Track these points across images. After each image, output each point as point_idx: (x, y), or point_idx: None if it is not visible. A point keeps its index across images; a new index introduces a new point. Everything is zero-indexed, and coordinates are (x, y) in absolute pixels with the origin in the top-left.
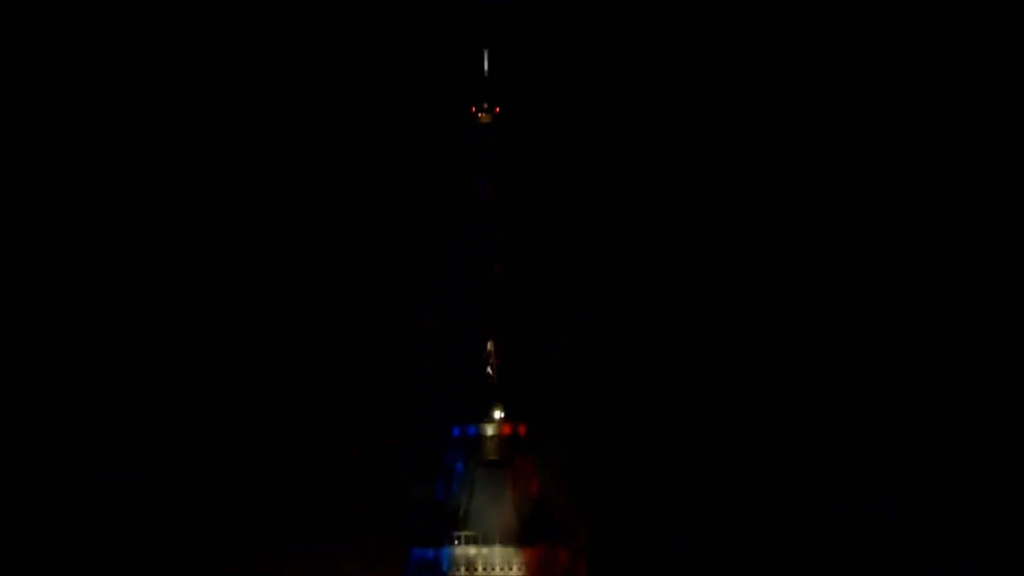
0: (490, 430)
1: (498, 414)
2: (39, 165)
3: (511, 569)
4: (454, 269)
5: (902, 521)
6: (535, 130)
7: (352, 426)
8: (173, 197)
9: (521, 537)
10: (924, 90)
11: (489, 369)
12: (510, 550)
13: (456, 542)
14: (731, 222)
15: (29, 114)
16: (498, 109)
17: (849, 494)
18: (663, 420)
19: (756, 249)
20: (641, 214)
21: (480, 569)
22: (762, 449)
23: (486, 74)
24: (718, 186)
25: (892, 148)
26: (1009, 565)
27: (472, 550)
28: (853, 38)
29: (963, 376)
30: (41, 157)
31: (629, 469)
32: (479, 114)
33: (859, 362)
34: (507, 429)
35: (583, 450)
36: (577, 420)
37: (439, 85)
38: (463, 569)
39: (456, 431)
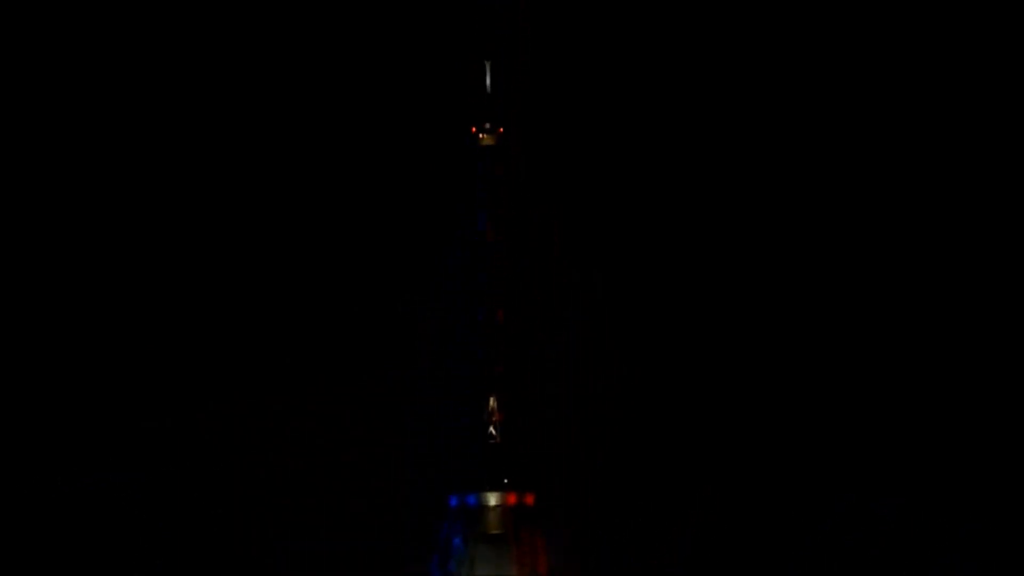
0: (492, 499)
1: (502, 480)
2: (39, 165)
3: None
4: (451, 314)
5: (902, 521)
6: (541, 151)
7: (338, 500)
8: (173, 197)
9: None
10: (924, 90)
11: (492, 429)
12: None
13: None
14: (731, 222)
15: (29, 114)
16: (502, 129)
17: (849, 494)
18: (663, 421)
19: (756, 249)
20: (641, 216)
21: None
22: (762, 449)
23: (488, 89)
24: (718, 187)
25: (892, 148)
26: (1009, 565)
27: None
28: (853, 38)
29: (963, 376)
30: (41, 157)
31: (629, 471)
32: (480, 135)
33: (859, 362)
34: (512, 498)
35: (597, 520)
36: (589, 476)
37: (437, 100)
38: None
39: (454, 501)
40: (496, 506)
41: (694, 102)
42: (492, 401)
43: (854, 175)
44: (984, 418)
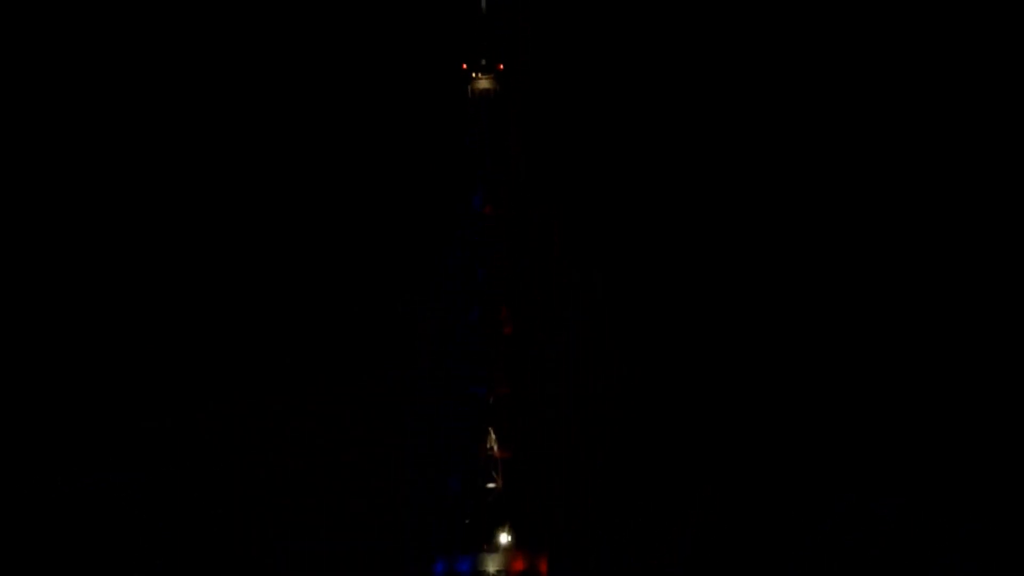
0: (492, 564)
1: (505, 538)
2: (39, 165)
3: None
4: (451, 314)
5: (902, 521)
6: (547, 98)
7: (338, 500)
8: (172, 197)
9: None
10: (924, 90)
11: (493, 472)
12: None
13: None
14: (731, 222)
15: (29, 114)
16: (501, 67)
17: (849, 494)
18: (662, 422)
19: (756, 250)
20: (641, 214)
21: None
22: (762, 449)
23: (484, 10)
24: (719, 185)
25: (892, 148)
26: (1009, 565)
27: None
28: (854, 38)
29: (963, 376)
30: (41, 157)
31: (630, 471)
32: (474, 74)
33: (859, 362)
34: (519, 564)
35: (600, 524)
36: (595, 488)
37: (429, 36)
38: None
39: (440, 567)
40: (498, 573)
41: (696, 100)
42: (492, 436)
43: (854, 175)
44: (984, 418)
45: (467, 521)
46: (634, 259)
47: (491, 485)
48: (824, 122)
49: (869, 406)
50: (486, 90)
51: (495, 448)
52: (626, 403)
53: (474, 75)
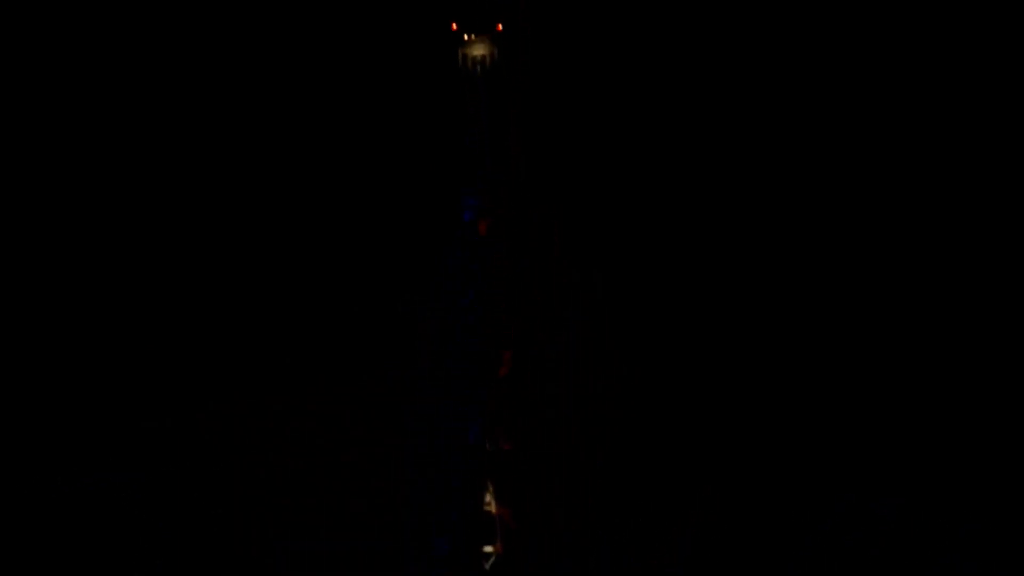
0: None
1: None
2: (38, 164)
3: None
4: (451, 314)
5: (902, 521)
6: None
7: (338, 500)
8: (171, 196)
9: None
10: (924, 90)
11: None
12: None
13: None
14: (732, 221)
15: (29, 114)
16: (500, 27)
17: (849, 494)
18: (663, 421)
19: (757, 249)
20: (642, 215)
21: None
22: (762, 449)
23: None
24: (719, 184)
25: (892, 148)
26: (1009, 565)
27: None
28: (857, 37)
29: (963, 376)
30: (40, 156)
31: (629, 470)
32: (466, 36)
33: (858, 361)
34: None
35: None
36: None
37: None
38: None
39: None
40: None
41: (709, 94)
42: (489, 489)
43: (855, 175)
44: (984, 418)
45: None
46: (634, 259)
47: (488, 548)
48: (831, 121)
49: (869, 406)
50: (481, 56)
51: (493, 504)
52: (626, 404)
53: (466, 37)
